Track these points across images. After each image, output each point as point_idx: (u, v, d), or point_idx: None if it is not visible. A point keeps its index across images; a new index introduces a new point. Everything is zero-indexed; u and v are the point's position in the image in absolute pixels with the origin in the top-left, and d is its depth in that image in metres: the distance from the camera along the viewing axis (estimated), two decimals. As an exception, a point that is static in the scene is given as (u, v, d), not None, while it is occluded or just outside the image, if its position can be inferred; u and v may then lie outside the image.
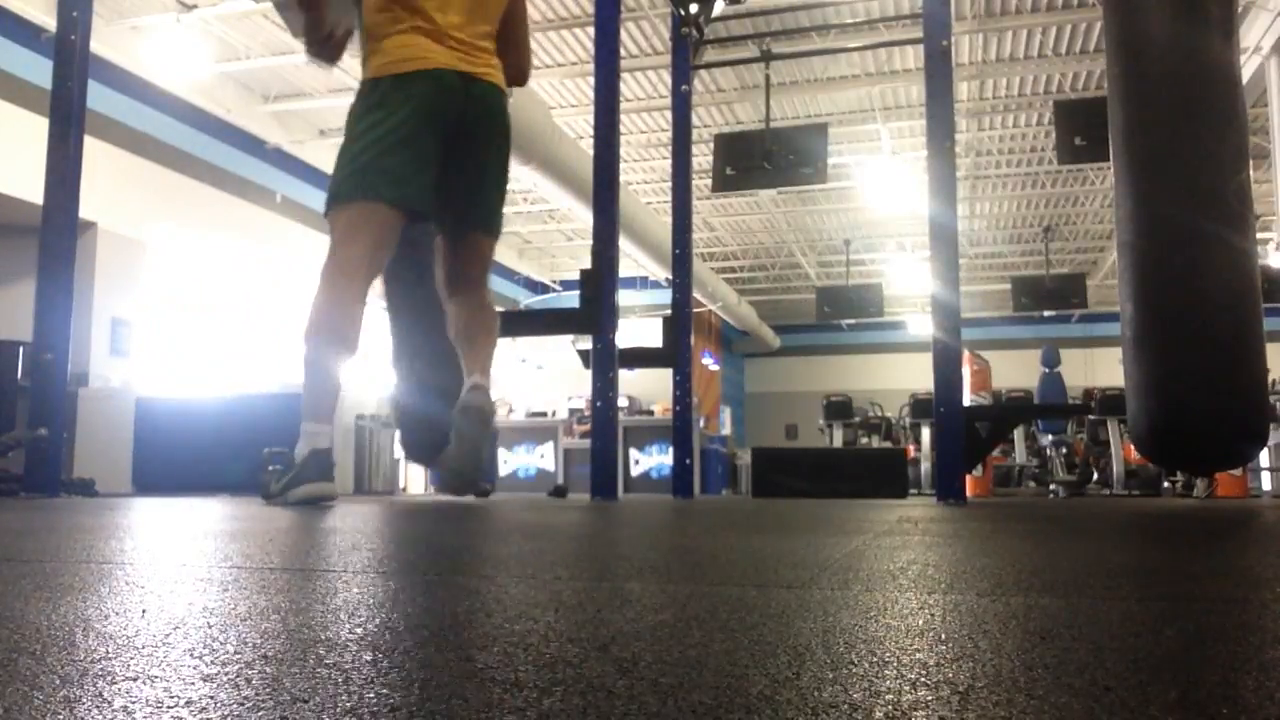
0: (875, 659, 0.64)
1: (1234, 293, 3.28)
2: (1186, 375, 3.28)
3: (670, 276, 6.50)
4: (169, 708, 0.52)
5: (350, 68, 10.46)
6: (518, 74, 3.18)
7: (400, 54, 2.81)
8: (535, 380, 16.72)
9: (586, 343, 4.80)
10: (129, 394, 8.20)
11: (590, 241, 3.55)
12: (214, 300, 11.00)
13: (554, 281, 18.48)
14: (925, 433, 10.50)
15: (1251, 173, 3.42)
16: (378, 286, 3.07)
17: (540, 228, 16.42)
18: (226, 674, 0.59)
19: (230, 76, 10.53)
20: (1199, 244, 3.27)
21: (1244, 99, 3.56)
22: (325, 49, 3.05)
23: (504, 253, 17.01)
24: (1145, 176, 3.40)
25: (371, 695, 0.54)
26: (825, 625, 0.79)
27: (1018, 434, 12.01)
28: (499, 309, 3.15)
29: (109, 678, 0.58)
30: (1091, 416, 10.71)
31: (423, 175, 2.77)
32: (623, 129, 9.81)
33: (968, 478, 4.95)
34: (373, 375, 11.70)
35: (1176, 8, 3.41)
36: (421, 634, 0.74)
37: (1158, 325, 3.35)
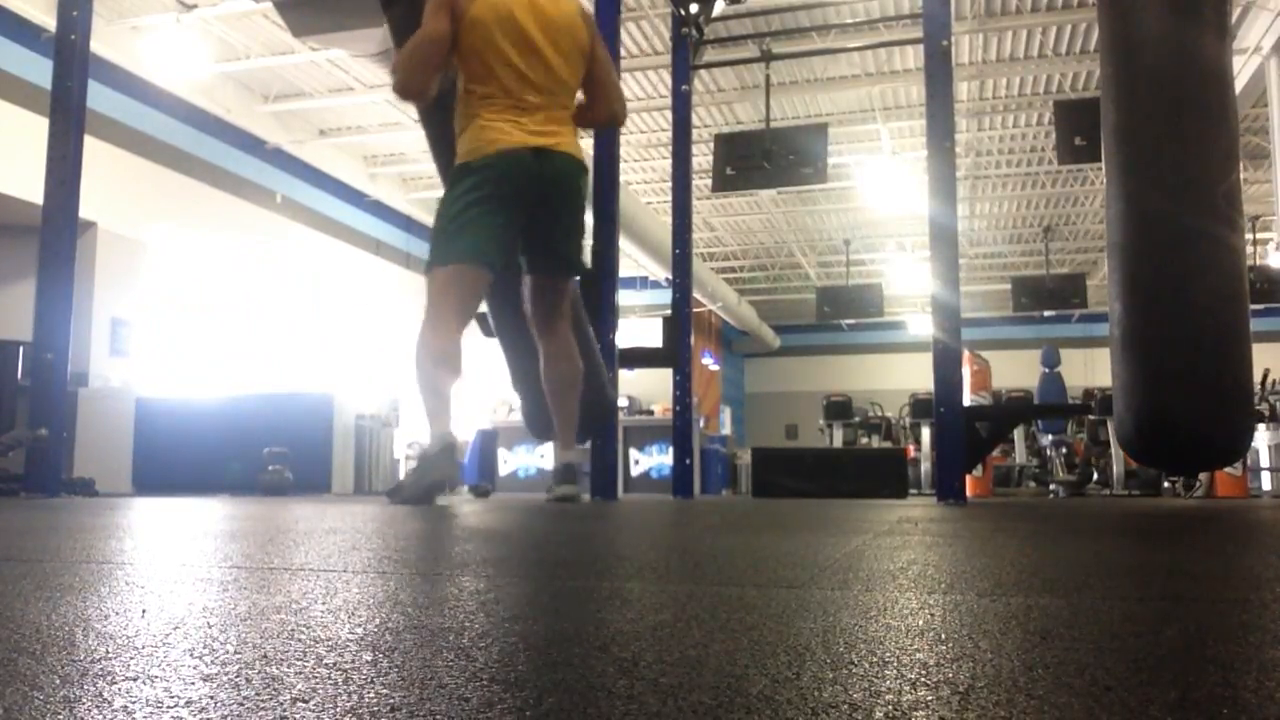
0: (875, 659, 0.64)
1: (1222, 295, 3.28)
2: (1173, 376, 3.28)
3: (670, 276, 6.50)
4: (169, 708, 0.52)
5: (349, 67, 10.46)
6: (610, 117, 3.77)
7: (478, 142, 3.31)
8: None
9: (586, 343, 4.80)
10: (129, 394, 8.20)
11: (590, 241, 3.56)
12: (214, 300, 11.00)
13: (554, 281, 18.45)
14: (925, 433, 10.50)
15: (1252, 173, 3.41)
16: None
17: (540, 228, 16.41)
18: (226, 674, 0.59)
19: (230, 76, 10.53)
20: (1188, 245, 3.27)
21: (1235, 100, 3.56)
22: (416, 98, 3.51)
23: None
24: (1135, 177, 3.39)
25: (371, 695, 0.54)
26: (825, 625, 0.79)
27: (1018, 434, 12.01)
28: None
29: (109, 678, 0.58)
30: (1091, 416, 10.70)
31: (501, 240, 3.34)
32: (622, 129, 9.81)
33: (968, 478, 4.95)
34: (372, 377, 11.70)
35: (1170, 7, 3.40)
36: (421, 634, 0.74)
37: (1145, 326, 3.35)
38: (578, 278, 3.75)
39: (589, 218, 4.37)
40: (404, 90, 3.39)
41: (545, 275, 3.58)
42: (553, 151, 3.38)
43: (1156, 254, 3.32)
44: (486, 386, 14.66)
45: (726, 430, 17.74)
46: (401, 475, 11.06)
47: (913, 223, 14.87)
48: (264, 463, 7.01)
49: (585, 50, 3.52)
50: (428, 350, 3.29)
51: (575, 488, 3.56)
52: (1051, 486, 11.30)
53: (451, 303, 3.31)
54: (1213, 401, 3.26)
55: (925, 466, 10.17)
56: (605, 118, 3.77)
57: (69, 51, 4.44)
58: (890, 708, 0.51)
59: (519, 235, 3.42)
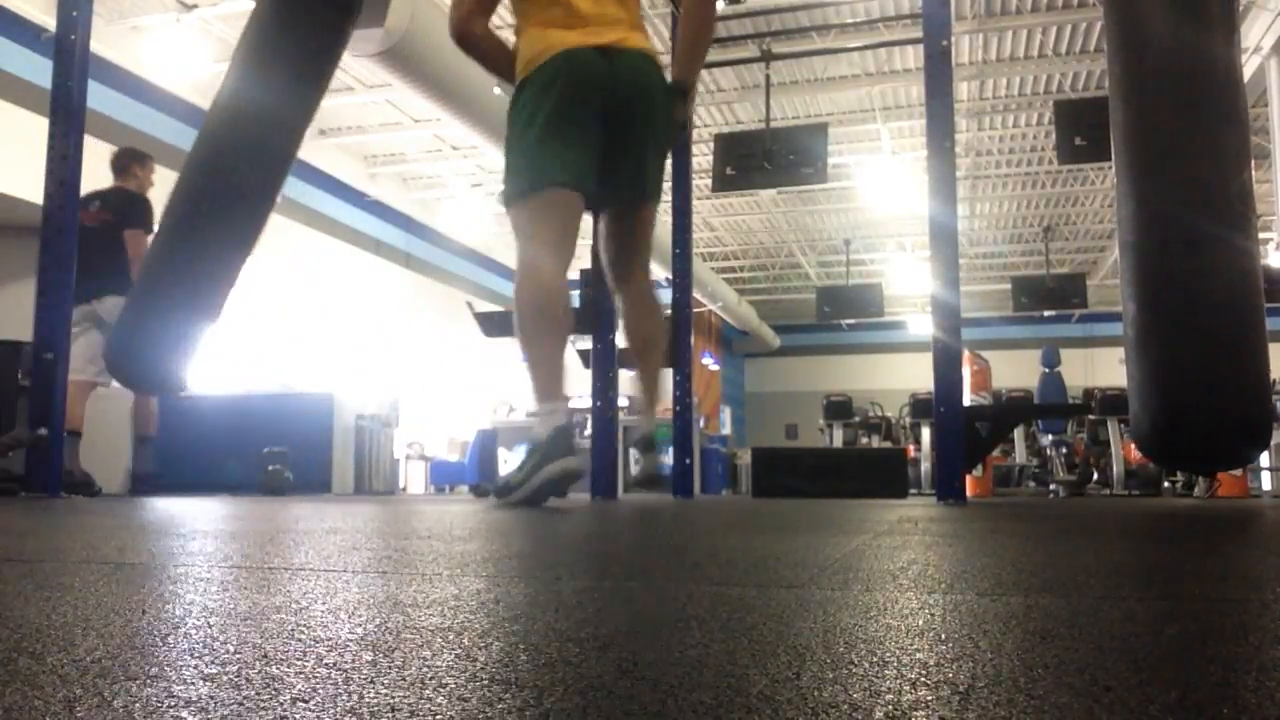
0: (875, 659, 0.64)
1: (1236, 292, 3.27)
2: (1188, 375, 3.27)
3: (670, 276, 6.50)
4: (169, 708, 0.52)
5: (349, 67, 10.45)
6: (692, 20, 3.13)
7: (533, 50, 2.85)
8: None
9: (586, 343, 4.80)
10: (129, 394, 8.18)
11: (590, 241, 3.55)
12: (214, 300, 10.98)
13: (554, 281, 18.45)
14: (925, 433, 10.50)
15: (1252, 172, 3.42)
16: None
17: (540, 228, 16.41)
18: (226, 674, 0.59)
19: (230, 76, 10.53)
20: (1201, 243, 3.26)
21: (1245, 98, 3.56)
22: (464, 34, 3.01)
23: (504, 252, 17.02)
24: (1146, 176, 3.39)
25: (371, 695, 0.54)
26: (825, 625, 0.79)
27: (1018, 434, 12.01)
28: (500, 309, 3.21)
29: (109, 677, 0.58)
30: (1091, 416, 10.70)
31: (586, 153, 2.84)
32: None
33: (968, 478, 4.95)
34: (372, 377, 11.70)
35: (1177, 6, 3.40)
36: (421, 634, 0.74)
37: (1159, 325, 3.35)
38: None
39: (587, 216, 4.32)
40: (454, 28, 2.94)
41: (625, 204, 3.05)
42: (622, 49, 2.88)
43: (1170, 253, 3.32)
44: (487, 386, 14.68)
45: (726, 430, 17.76)
46: (402, 478, 11.07)
47: (913, 223, 14.89)
48: (264, 463, 7.01)
49: None
50: (529, 299, 2.74)
51: (656, 460, 3.04)
52: (1051, 486, 11.30)
53: (547, 235, 2.79)
54: (1230, 399, 3.26)
55: (925, 466, 10.17)
56: (689, 22, 3.14)
57: (69, 51, 4.44)
58: (890, 708, 0.51)
59: (597, 153, 2.87)
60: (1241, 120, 3.40)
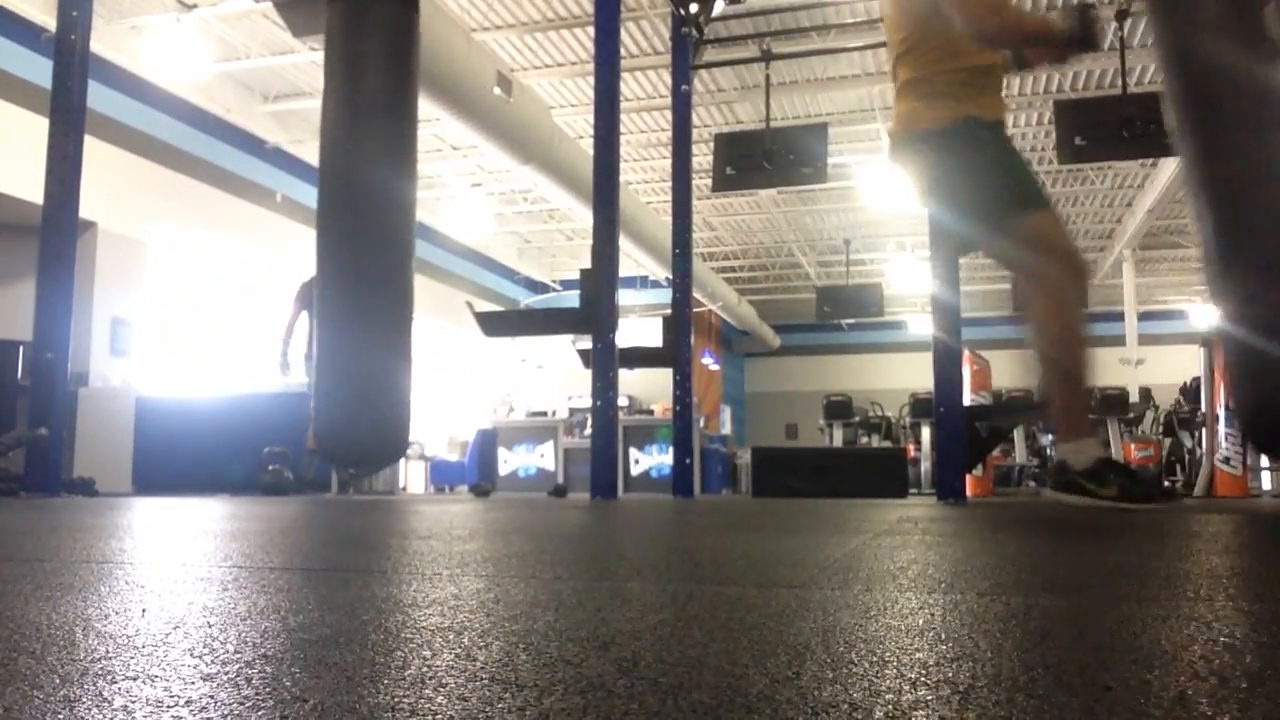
0: (875, 659, 0.64)
1: None
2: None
3: (670, 276, 6.50)
4: (169, 707, 0.52)
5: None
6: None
7: (997, 106, 3.07)
8: (535, 380, 16.72)
9: (586, 343, 4.80)
10: (129, 394, 8.19)
11: (590, 241, 3.54)
12: (214, 300, 11.00)
13: (554, 281, 18.46)
14: (925, 433, 10.50)
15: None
16: None
17: (540, 227, 16.42)
18: (226, 674, 0.59)
19: (230, 76, 10.52)
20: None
21: None
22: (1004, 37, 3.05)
23: (504, 252, 17.01)
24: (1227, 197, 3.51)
25: (372, 695, 0.54)
26: (825, 625, 0.79)
27: (1018, 434, 12.00)
28: (499, 308, 3.18)
29: (109, 677, 0.58)
30: (1091, 416, 10.70)
31: None
32: (623, 129, 9.78)
33: (968, 478, 4.95)
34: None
35: (1229, 30, 3.41)
36: (422, 634, 0.74)
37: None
38: None
39: (588, 216, 4.30)
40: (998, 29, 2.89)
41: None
42: None
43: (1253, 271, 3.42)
44: (487, 386, 14.69)
45: (726, 430, 17.74)
46: (402, 478, 11.06)
47: (913, 223, 14.87)
48: (264, 463, 7.01)
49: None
50: (1073, 317, 2.75)
51: (1060, 496, 2.84)
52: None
53: (1070, 245, 2.93)
54: None
55: (925, 466, 10.16)
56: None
57: (69, 51, 4.45)
58: (890, 707, 0.51)
59: None
60: None
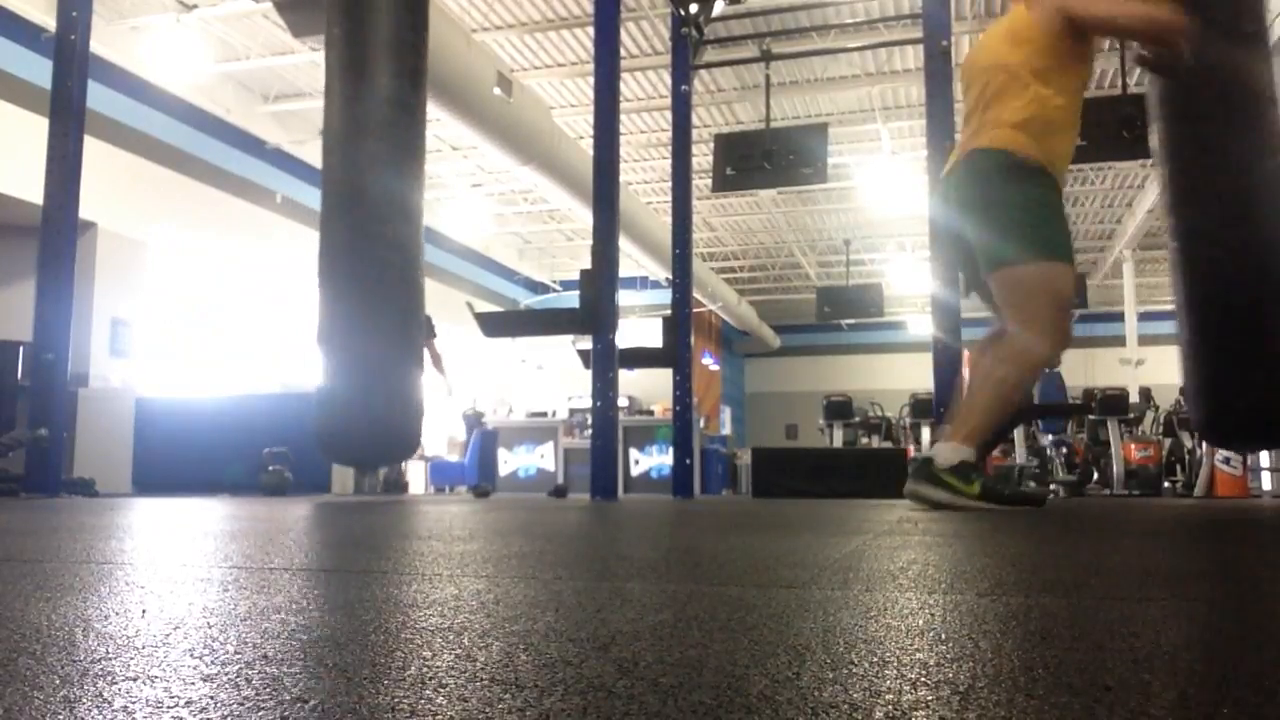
0: (875, 659, 0.64)
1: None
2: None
3: (670, 276, 6.50)
4: (169, 708, 0.52)
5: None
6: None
7: (1063, 150, 3.04)
8: (535, 380, 16.72)
9: (586, 343, 4.80)
10: (129, 394, 8.20)
11: (590, 241, 3.53)
12: (214, 300, 11.00)
13: (554, 281, 18.47)
14: (925, 433, 10.50)
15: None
16: None
17: (540, 228, 16.42)
18: (226, 674, 0.59)
19: (230, 76, 10.53)
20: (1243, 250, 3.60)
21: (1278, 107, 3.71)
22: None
23: (504, 252, 17.01)
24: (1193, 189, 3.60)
25: (372, 695, 0.54)
26: (825, 625, 0.79)
27: (1018, 434, 12.00)
28: (497, 308, 3.19)
29: (109, 678, 0.58)
30: (1091, 416, 10.70)
31: None
32: (623, 129, 9.78)
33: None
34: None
35: (1210, 25, 3.44)
36: (422, 634, 0.74)
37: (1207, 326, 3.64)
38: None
39: (588, 216, 4.29)
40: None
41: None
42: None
43: (1217, 263, 3.64)
44: (486, 386, 14.69)
45: (726, 430, 17.75)
46: (402, 478, 11.06)
47: (913, 223, 14.87)
48: (264, 463, 7.01)
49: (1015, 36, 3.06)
50: (1036, 357, 2.97)
51: (920, 488, 2.95)
52: (1051, 486, 11.30)
53: (1067, 305, 2.99)
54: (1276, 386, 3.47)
55: (925, 467, 10.14)
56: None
57: (69, 51, 4.45)
58: (890, 708, 0.51)
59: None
60: (1273, 131, 3.57)
